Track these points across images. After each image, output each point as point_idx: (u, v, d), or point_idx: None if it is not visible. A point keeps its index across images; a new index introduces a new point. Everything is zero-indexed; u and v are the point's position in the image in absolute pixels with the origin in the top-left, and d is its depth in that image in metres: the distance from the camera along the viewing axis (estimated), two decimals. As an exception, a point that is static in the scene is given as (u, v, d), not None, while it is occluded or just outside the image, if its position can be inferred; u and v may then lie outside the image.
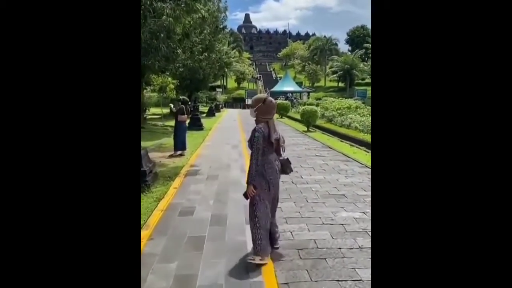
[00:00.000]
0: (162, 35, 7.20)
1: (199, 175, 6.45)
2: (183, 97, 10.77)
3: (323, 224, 4.00)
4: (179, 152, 8.91)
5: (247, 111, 23.33)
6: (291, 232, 3.74)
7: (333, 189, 5.50)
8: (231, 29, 62.50)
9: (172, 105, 10.75)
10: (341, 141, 11.70)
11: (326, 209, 4.50)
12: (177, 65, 14.10)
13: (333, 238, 3.61)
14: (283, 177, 6.11)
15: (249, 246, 3.39)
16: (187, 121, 15.51)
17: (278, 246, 3.33)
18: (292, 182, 5.90)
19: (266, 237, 3.07)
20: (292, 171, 3.38)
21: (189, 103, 20.91)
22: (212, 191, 5.33)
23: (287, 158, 3.28)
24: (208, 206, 4.61)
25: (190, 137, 12.25)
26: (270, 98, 3.10)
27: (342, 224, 3.98)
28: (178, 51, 8.51)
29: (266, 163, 3.03)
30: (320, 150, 9.48)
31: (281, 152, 3.25)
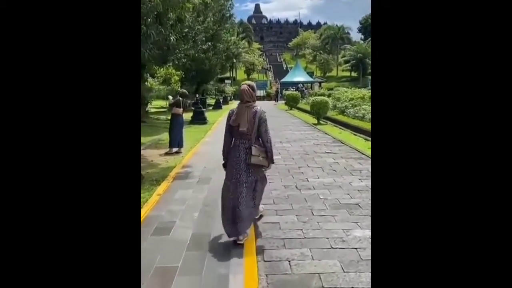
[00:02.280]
0: (149, 19, 6.36)
1: (190, 178, 5.63)
2: (182, 90, 9.97)
3: (332, 248, 3.12)
4: (175, 150, 8.12)
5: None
6: (289, 261, 2.87)
7: (345, 196, 4.60)
8: (241, 19, 61.29)
9: (171, 97, 9.91)
10: (354, 134, 10.69)
11: (335, 226, 3.61)
12: (179, 55, 13.23)
13: (344, 270, 2.73)
14: (286, 181, 5.35)
15: (232, 283, 2.57)
16: (191, 115, 14.91)
17: (240, 241, 3.13)
18: (296, 187, 5.02)
19: (226, 219, 3.15)
20: (251, 162, 3.09)
21: (197, 95, 20.30)
22: (200, 200, 4.50)
23: (250, 147, 3.12)
24: (190, 221, 3.78)
25: (192, 131, 11.48)
26: (243, 85, 3.28)
27: (356, 249, 3.09)
28: (171, 38, 7.64)
29: (232, 146, 3.25)
30: (331, 146, 8.54)
31: (264, 141, 3.18)
